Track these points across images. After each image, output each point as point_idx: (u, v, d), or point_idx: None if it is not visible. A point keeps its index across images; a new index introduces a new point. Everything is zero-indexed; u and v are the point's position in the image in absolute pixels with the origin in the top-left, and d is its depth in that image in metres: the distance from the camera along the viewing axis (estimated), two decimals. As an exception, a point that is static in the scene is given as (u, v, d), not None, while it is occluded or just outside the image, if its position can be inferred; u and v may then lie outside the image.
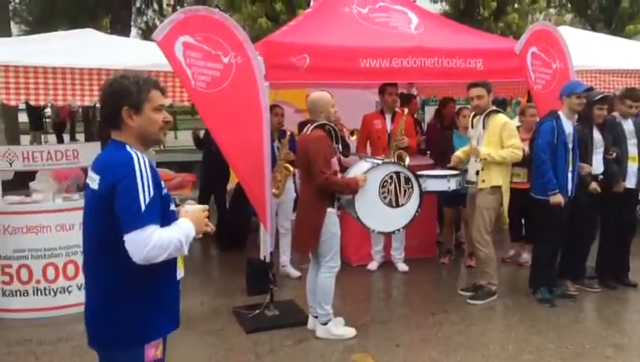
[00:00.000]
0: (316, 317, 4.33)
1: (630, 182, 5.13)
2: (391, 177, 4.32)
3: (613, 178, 5.01)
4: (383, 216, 4.32)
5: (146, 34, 19.72)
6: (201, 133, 6.91)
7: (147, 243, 1.91)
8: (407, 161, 5.41)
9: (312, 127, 4.14)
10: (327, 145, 4.03)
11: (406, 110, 5.74)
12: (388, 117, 5.71)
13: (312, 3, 6.49)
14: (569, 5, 18.77)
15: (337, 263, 4.19)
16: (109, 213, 1.96)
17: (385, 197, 4.31)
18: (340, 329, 4.25)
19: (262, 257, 4.88)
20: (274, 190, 5.11)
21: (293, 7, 13.27)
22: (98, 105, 3.55)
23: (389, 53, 5.02)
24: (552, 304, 4.84)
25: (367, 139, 5.75)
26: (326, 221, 4.05)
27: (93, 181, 2.04)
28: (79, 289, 4.71)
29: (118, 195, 1.95)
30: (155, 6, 19.69)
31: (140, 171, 1.97)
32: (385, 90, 5.65)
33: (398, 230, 4.55)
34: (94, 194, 2.03)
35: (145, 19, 20.57)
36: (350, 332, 4.26)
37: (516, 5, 15.17)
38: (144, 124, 2.09)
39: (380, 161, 4.39)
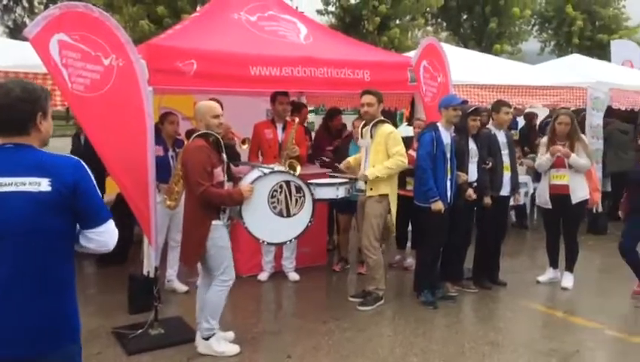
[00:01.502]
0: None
1: (505, 190, 5.55)
2: (280, 186, 4.24)
3: (483, 190, 5.37)
4: (273, 226, 4.22)
5: (14, 33, 18.15)
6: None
7: (115, 231, 2.22)
8: (299, 169, 5.41)
9: (194, 136, 3.96)
10: (205, 156, 3.84)
11: (297, 119, 5.75)
12: (279, 126, 5.69)
13: (198, 8, 6.32)
14: (444, 24, 20.13)
15: (231, 276, 4.03)
16: (68, 211, 2.08)
17: (275, 207, 4.23)
18: (222, 346, 4.07)
19: (145, 272, 4.60)
20: (169, 201, 4.87)
21: (177, 11, 12.89)
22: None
23: (280, 61, 5.00)
24: (435, 306, 5.08)
25: (258, 147, 5.67)
26: (211, 234, 3.88)
27: (36, 184, 2.04)
28: None
29: (84, 193, 2.11)
30: (25, 3, 18.18)
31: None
32: (276, 98, 5.62)
33: (290, 240, 4.50)
34: (42, 196, 2.04)
35: (13, 16, 18.90)
36: (233, 350, 4.10)
37: (398, 21, 15.97)
38: (49, 128, 2.18)
39: (268, 170, 4.30)
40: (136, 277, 4.76)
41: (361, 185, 5.10)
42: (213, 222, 3.91)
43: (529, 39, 20.83)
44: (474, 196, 5.28)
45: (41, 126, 2.14)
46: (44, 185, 2.05)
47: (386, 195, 4.99)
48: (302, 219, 4.34)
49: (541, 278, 5.83)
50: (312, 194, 4.39)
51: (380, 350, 4.27)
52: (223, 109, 5.57)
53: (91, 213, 2.15)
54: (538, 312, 5.11)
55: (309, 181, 5.22)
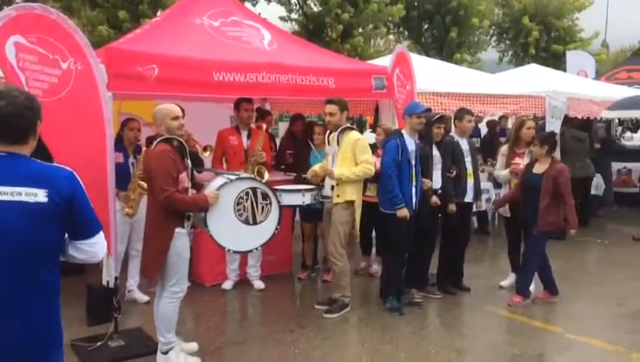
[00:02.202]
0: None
1: (468, 197, 5.62)
2: (247, 193, 4.17)
3: (448, 196, 5.43)
4: (239, 234, 4.14)
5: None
6: None
7: (105, 242, 2.26)
8: (267, 176, 5.34)
9: (157, 141, 3.84)
10: (170, 161, 3.72)
11: (264, 125, 5.69)
12: (244, 133, 5.61)
13: (158, 13, 6.19)
14: (406, 33, 20.41)
15: (182, 288, 3.90)
16: (62, 222, 2.09)
17: (241, 215, 4.14)
18: (182, 360, 3.94)
19: (104, 282, 4.44)
20: (127, 209, 4.72)
21: (138, 15, 12.63)
22: None
23: (244, 67, 4.93)
24: (401, 312, 5.08)
25: (223, 154, 5.58)
26: (174, 242, 3.76)
27: (32, 195, 2.02)
28: None
29: (79, 204, 2.12)
30: (-23, 4, 17.53)
31: None
32: (240, 105, 5.54)
33: (257, 248, 4.42)
34: (37, 207, 2.02)
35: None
36: None
37: (361, 30, 16.10)
38: (37, 138, 2.19)
39: (234, 177, 4.22)
40: (95, 287, 4.59)
41: (327, 192, 5.08)
42: (177, 230, 3.80)
43: (487, 49, 21.32)
44: (439, 203, 5.33)
45: (36, 135, 2.16)
46: (40, 196, 2.04)
47: (352, 202, 4.98)
48: (268, 226, 4.27)
49: (504, 283, 5.92)
50: (278, 202, 4.34)
51: (347, 358, 4.24)
52: (184, 115, 5.48)
53: (85, 224, 2.16)
54: (502, 317, 5.17)
55: (274, 187, 5.17)
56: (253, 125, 5.72)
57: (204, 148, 5.08)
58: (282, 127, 9.64)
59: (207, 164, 5.38)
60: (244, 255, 5.60)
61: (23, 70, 3.87)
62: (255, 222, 4.20)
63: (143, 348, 4.19)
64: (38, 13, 3.93)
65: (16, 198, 2.01)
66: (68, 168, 2.19)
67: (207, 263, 5.63)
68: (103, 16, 12.68)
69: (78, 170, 4.02)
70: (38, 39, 3.91)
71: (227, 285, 5.75)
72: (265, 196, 4.26)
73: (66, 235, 2.15)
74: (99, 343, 4.16)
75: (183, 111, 5.43)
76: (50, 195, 2.04)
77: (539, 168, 5.30)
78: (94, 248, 2.19)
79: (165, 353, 3.90)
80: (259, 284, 5.77)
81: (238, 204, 4.13)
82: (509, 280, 5.91)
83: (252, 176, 4.72)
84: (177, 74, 4.59)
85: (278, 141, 7.50)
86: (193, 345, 4.18)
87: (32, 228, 2.02)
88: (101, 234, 2.21)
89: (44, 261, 2.08)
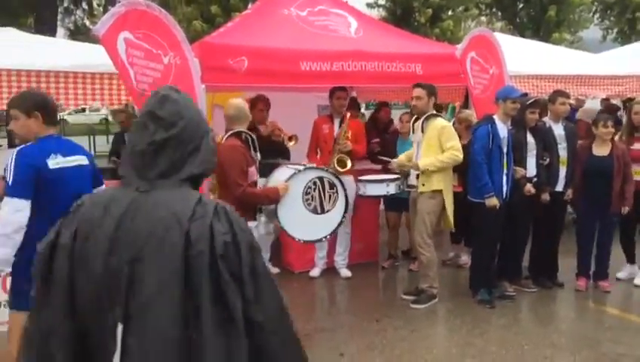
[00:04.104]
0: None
1: (561, 185, 5.30)
2: (314, 183, 4.19)
3: (541, 185, 5.15)
4: (308, 223, 4.17)
5: (75, 35, 18.87)
6: None
7: None
8: (349, 165, 5.33)
9: (227, 135, 3.91)
10: (241, 155, 3.78)
11: (348, 114, 5.67)
12: (336, 121, 5.62)
13: (249, 5, 6.35)
14: (499, 13, 19.53)
15: None
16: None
17: (309, 204, 4.17)
18: None
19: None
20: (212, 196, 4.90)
21: (229, 10, 13.06)
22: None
23: (330, 56, 4.95)
24: (492, 305, 4.91)
25: (316, 144, 5.64)
26: None
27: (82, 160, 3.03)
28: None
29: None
30: (85, 5, 18.87)
31: None
32: (334, 93, 5.56)
33: (326, 237, 4.43)
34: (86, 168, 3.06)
35: (73, 19, 19.67)
36: None
37: (450, 12, 15.62)
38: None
39: (301, 168, 4.24)
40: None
41: (412, 181, 4.99)
42: (249, 224, 3.86)
43: (590, 27, 19.92)
44: (533, 191, 5.06)
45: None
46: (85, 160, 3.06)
47: (440, 191, 4.86)
48: (336, 215, 4.29)
49: (620, 275, 5.55)
50: (344, 190, 4.32)
51: (436, 350, 4.17)
52: (270, 105, 5.60)
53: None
54: (604, 313, 4.85)
55: (360, 178, 5.16)
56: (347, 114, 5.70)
57: (290, 138, 5.16)
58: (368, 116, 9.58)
59: (292, 153, 5.47)
60: (331, 243, 5.65)
61: (132, 65, 4.07)
62: (323, 211, 4.23)
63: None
64: (143, 9, 4.12)
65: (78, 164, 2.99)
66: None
67: (296, 250, 5.74)
68: (197, 12, 13.24)
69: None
70: (143, 35, 4.10)
71: (315, 272, 5.84)
72: (332, 185, 4.26)
73: None
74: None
75: (269, 102, 5.59)
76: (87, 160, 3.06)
77: (601, 150, 5.09)
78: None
79: None
80: (345, 273, 5.80)
81: (307, 193, 4.16)
82: (626, 271, 5.55)
83: (316, 165, 4.65)
84: (266, 65, 4.70)
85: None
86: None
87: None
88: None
89: None
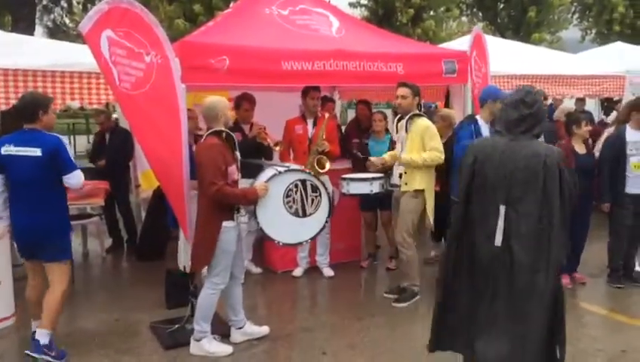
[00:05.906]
0: (239, 328, 4.18)
1: None
2: (296, 185, 4.15)
3: None
4: (289, 226, 4.13)
5: (53, 32, 18.61)
6: None
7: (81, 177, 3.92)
8: (328, 166, 5.31)
9: (206, 134, 3.88)
10: (218, 153, 3.74)
11: (327, 114, 5.66)
12: (310, 121, 5.62)
13: (231, 4, 6.32)
14: (480, 14, 19.70)
15: (224, 280, 3.93)
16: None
17: (291, 207, 4.13)
18: (214, 347, 4.00)
19: (181, 267, 4.63)
20: None
21: (212, 8, 12.98)
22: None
23: (311, 55, 4.95)
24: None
25: (289, 145, 5.63)
26: (221, 236, 3.78)
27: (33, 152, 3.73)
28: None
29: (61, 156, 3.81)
30: (64, 3, 18.61)
31: None
32: (308, 93, 5.56)
33: (307, 241, 4.41)
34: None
35: (52, 16, 19.38)
36: (226, 350, 4.04)
37: (432, 13, 15.72)
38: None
39: (283, 169, 4.20)
40: (174, 272, 4.79)
41: (395, 179, 5.01)
42: (224, 224, 3.81)
43: (569, 27, 20.19)
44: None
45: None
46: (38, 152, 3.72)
47: (422, 191, 4.89)
48: (318, 219, 4.24)
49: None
50: (328, 194, 4.29)
51: (418, 347, 4.18)
52: (255, 104, 5.57)
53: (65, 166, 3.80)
54: (584, 310, 4.91)
55: (344, 176, 5.16)
56: (319, 114, 5.71)
57: (276, 144, 5.13)
58: (351, 116, 9.60)
59: (277, 156, 5.46)
60: (313, 242, 5.63)
61: (115, 64, 4.02)
62: (305, 215, 4.19)
63: (218, 331, 4.32)
64: (125, 7, 4.04)
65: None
66: (56, 135, 3.77)
67: (278, 250, 5.73)
68: (179, 10, 13.14)
69: (159, 159, 4.21)
70: (125, 33, 4.03)
71: (297, 272, 5.83)
72: (315, 188, 4.22)
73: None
74: (176, 326, 4.35)
75: (254, 100, 5.56)
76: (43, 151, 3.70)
77: (580, 149, 5.22)
78: (71, 180, 3.80)
79: (198, 340, 4.00)
80: (328, 272, 5.82)
81: (288, 196, 4.12)
82: None
83: (302, 168, 4.63)
84: (247, 64, 4.68)
85: (343, 129, 7.44)
86: (265, 329, 4.29)
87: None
88: (76, 172, 3.79)
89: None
